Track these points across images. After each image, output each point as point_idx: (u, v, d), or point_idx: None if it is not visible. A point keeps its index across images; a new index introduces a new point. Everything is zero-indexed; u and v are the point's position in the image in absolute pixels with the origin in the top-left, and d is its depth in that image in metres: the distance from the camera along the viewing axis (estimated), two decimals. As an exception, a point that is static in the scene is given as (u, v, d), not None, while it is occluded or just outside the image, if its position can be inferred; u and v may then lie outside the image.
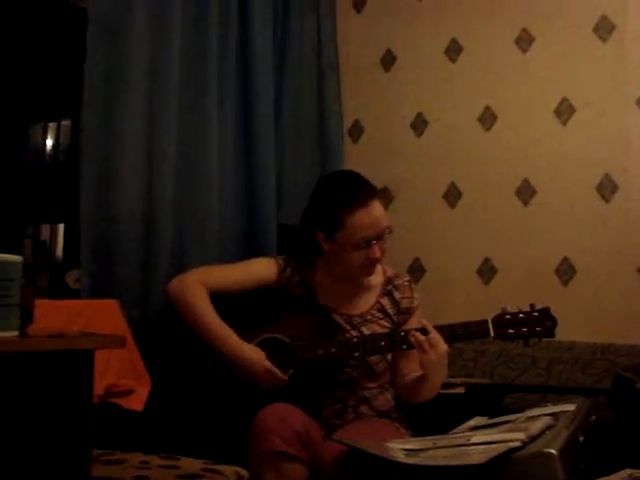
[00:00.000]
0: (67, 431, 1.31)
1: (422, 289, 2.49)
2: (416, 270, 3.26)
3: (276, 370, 2.09)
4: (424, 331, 2.04)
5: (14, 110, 3.15)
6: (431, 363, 2.03)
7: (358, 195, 2.13)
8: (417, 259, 3.28)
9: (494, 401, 2.65)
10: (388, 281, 2.29)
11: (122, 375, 2.17)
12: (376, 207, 2.13)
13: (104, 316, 2.20)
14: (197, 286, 2.18)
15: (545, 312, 2.08)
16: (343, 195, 2.15)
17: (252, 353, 2.11)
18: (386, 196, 3.27)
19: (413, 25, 3.40)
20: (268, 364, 2.10)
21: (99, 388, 2.05)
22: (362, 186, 2.17)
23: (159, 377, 2.23)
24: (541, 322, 2.07)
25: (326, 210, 2.17)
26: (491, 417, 2.06)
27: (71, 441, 1.31)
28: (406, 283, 2.31)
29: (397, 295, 2.28)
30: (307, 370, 2.12)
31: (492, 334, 2.08)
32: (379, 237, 2.14)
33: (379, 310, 2.25)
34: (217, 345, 2.12)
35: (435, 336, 2.03)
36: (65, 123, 3.41)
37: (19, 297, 1.34)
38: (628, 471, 1.84)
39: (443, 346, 2.03)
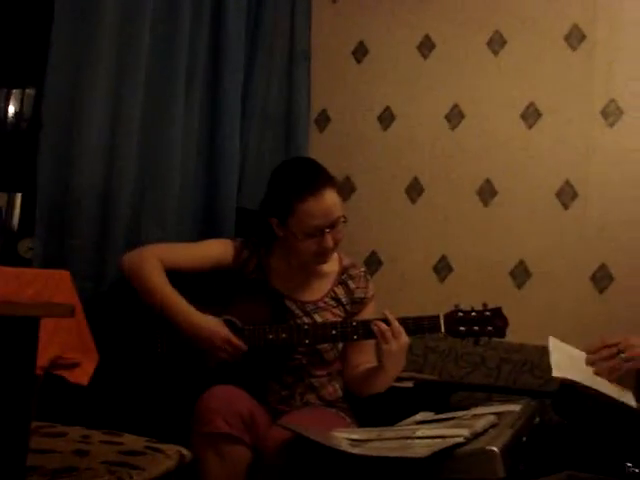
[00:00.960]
0: (6, 400, 1.28)
1: (377, 282, 2.49)
2: (372, 263, 3.26)
3: (235, 338, 2.08)
4: (386, 322, 2.05)
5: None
6: (391, 354, 2.04)
7: (309, 183, 2.12)
8: (374, 252, 3.28)
9: (441, 398, 2.66)
10: (344, 270, 2.29)
11: (69, 348, 2.13)
12: (328, 196, 2.12)
13: (55, 287, 2.14)
14: (153, 260, 2.17)
15: (497, 312, 2.10)
16: (295, 182, 2.14)
17: (210, 322, 2.10)
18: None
19: (387, 18, 3.39)
20: (226, 332, 2.08)
21: (44, 359, 2.00)
22: (315, 174, 2.16)
23: (107, 352, 2.20)
24: (492, 322, 2.09)
25: (278, 197, 2.16)
26: (437, 413, 2.07)
27: (10, 411, 1.28)
28: (361, 273, 2.31)
29: (352, 285, 2.28)
30: (256, 354, 2.11)
31: (443, 330, 2.09)
32: (332, 226, 2.13)
33: (333, 298, 2.25)
34: (174, 315, 2.10)
35: (398, 327, 2.04)
36: (29, 91, 3.35)
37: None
38: (567, 472, 1.87)
39: (405, 337, 2.04)
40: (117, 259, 2.34)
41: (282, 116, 3.36)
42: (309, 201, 2.10)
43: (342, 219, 2.15)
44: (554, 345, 1.96)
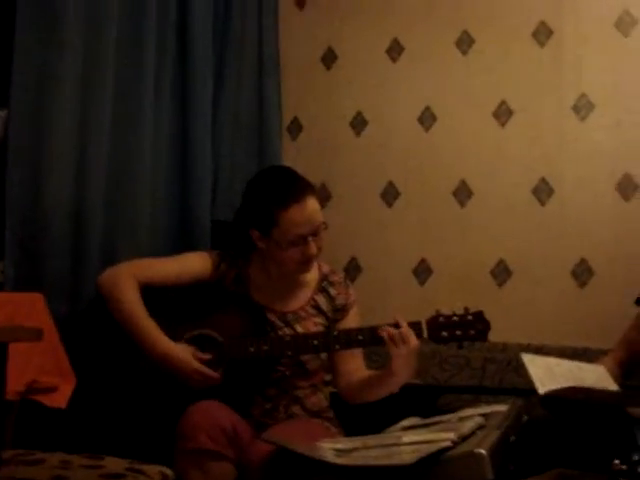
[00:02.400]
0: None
1: (358, 289, 2.46)
2: (352, 269, 3.24)
3: (206, 369, 2.04)
4: (396, 326, 2.02)
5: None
6: (401, 358, 2.02)
7: (291, 192, 2.10)
8: (353, 258, 3.26)
9: (428, 402, 2.64)
10: (323, 277, 2.27)
11: (45, 371, 2.09)
12: (310, 203, 2.11)
13: (28, 310, 2.11)
14: (129, 280, 2.13)
15: (479, 316, 2.09)
16: (276, 192, 2.11)
17: (181, 353, 2.05)
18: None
19: (355, 24, 3.38)
20: (197, 364, 2.04)
21: (19, 384, 1.96)
22: (295, 182, 2.15)
23: (84, 374, 2.16)
24: (474, 325, 2.08)
25: (260, 208, 2.13)
26: (424, 418, 2.05)
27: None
28: (341, 279, 2.29)
29: (332, 291, 2.26)
30: (238, 368, 2.08)
31: (425, 336, 2.06)
32: (314, 233, 2.12)
33: (313, 307, 2.23)
34: (145, 345, 2.07)
35: (407, 330, 2.01)
36: (1, 113, 3.31)
37: None
38: (558, 470, 1.85)
39: (415, 340, 2.02)
40: (92, 278, 2.30)
41: (254, 125, 3.33)
42: (293, 209, 2.08)
43: (323, 225, 2.14)
44: (528, 360, 1.96)
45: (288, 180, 2.16)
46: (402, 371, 2.05)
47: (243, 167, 3.20)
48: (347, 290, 2.29)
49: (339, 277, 2.30)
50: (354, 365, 2.21)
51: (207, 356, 2.07)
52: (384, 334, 2.02)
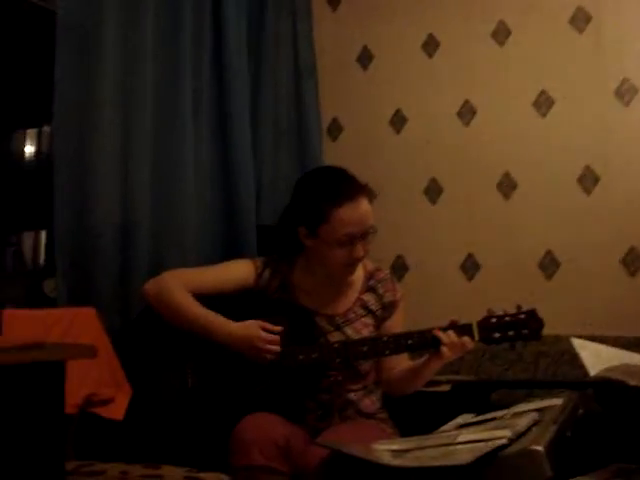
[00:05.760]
0: (38, 444, 1.27)
1: (405, 287, 2.46)
2: (399, 268, 3.23)
3: (269, 325, 2.04)
4: (455, 329, 2.02)
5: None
6: (448, 358, 2.03)
7: (345, 189, 2.09)
8: (400, 256, 3.26)
9: (481, 398, 2.62)
10: (370, 276, 2.26)
11: (102, 384, 2.13)
12: (363, 203, 2.10)
13: (81, 325, 2.15)
14: (175, 282, 2.15)
15: (532, 314, 2.03)
16: (329, 189, 2.10)
17: (244, 324, 2.06)
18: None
19: (389, 21, 3.37)
20: (261, 322, 2.05)
21: (78, 398, 2.01)
22: (349, 181, 2.14)
23: (139, 385, 2.19)
24: (528, 324, 2.02)
25: (310, 204, 2.11)
26: (478, 414, 2.04)
27: (43, 454, 1.27)
28: (387, 276, 2.28)
29: (380, 289, 2.24)
30: (289, 376, 2.07)
31: (477, 338, 2.04)
32: (363, 235, 2.10)
33: (362, 307, 2.21)
34: (206, 329, 2.07)
35: (468, 341, 2.02)
36: (46, 129, 3.38)
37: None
38: (617, 465, 1.83)
39: (470, 344, 2.02)
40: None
41: (294, 129, 3.35)
42: (345, 207, 2.06)
43: (372, 229, 2.12)
44: (579, 345, 1.94)
45: (343, 178, 2.15)
46: (437, 366, 2.07)
47: (285, 171, 3.23)
48: (394, 286, 2.27)
49: (385, 274, 2.28)
50: (397, 360, 2.20)
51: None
52: (444, 338, 2.01)
